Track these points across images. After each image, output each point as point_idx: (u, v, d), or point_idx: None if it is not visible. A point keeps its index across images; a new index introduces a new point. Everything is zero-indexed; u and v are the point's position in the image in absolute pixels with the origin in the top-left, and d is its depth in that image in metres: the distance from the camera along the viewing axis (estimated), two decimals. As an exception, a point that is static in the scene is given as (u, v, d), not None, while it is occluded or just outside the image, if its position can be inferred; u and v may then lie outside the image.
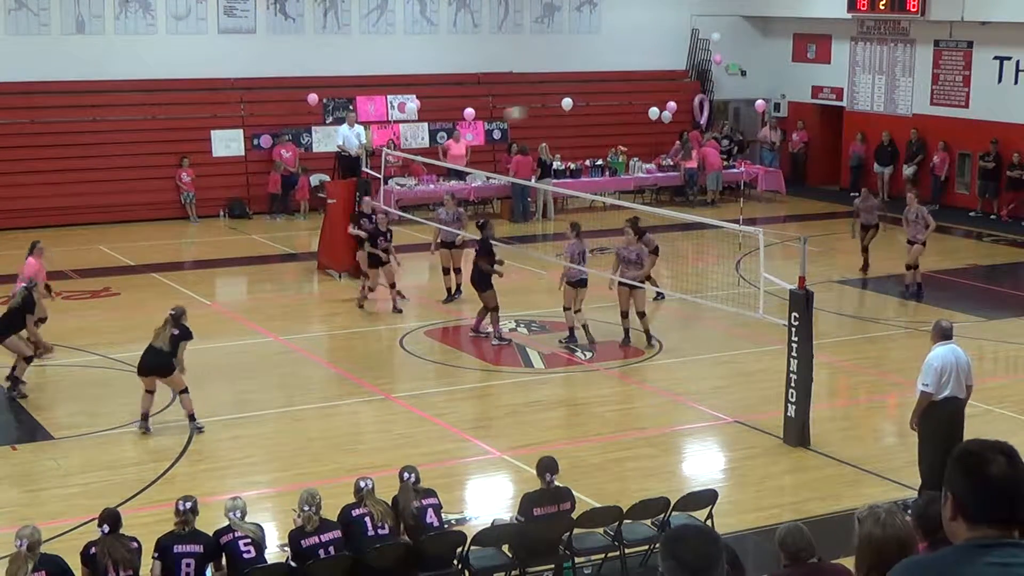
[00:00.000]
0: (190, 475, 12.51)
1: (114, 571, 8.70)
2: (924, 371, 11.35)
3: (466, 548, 9.85)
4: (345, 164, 25.16)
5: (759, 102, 29.30)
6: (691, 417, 14.83)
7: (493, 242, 17.79)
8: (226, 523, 9.37)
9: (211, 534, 9.29)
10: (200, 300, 19.59)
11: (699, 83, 32.37)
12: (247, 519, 9.46)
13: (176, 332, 13.62)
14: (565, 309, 17.31)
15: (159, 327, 13.68)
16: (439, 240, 19.57)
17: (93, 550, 8.84)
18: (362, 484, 9.75)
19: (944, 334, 11.47)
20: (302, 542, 9.27)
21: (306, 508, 9.29)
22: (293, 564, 9.32)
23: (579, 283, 17.09)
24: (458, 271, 19.64)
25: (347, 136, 25.66)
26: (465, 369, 16.40)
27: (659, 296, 19.39)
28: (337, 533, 9.38)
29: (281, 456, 13.28)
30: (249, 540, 9.23)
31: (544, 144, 27.35)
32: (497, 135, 29.66)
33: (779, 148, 31.47)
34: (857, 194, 22.75)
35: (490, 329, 17.51)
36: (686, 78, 32.44)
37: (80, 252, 23.14)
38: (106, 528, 8.89)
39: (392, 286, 18.90)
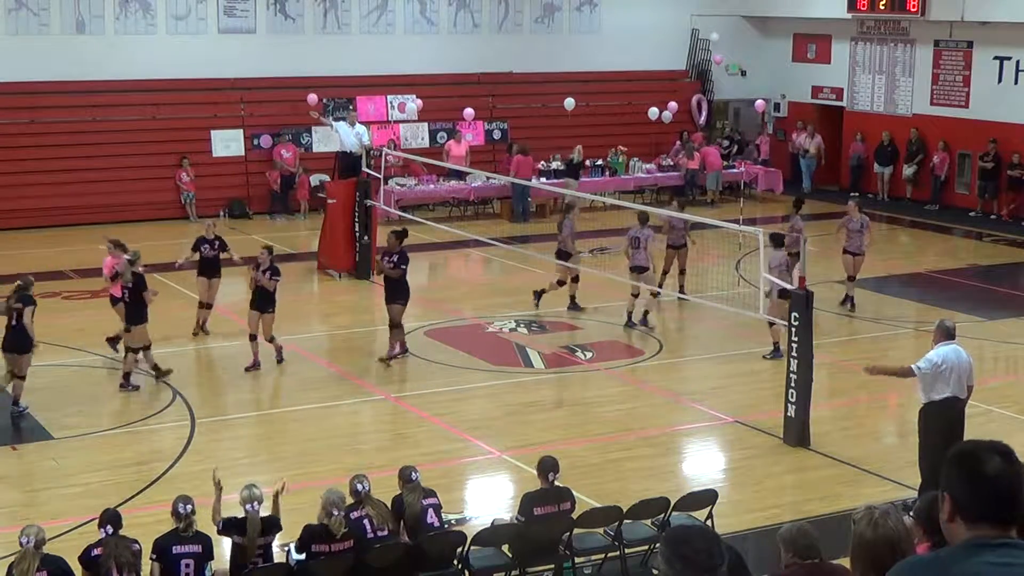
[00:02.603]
0: (190, 475, 12.49)
1: (118, 574, 8.68)
2: (924, 357, 11.32)
3: (466, 548, 9.85)
4: (345, 164, 25.15)
5: (759, 102, 29.29)
6: (691, 417, 14.84)
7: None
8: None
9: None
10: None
11: (699, 83, 32.38)
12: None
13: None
14: (633, 296, 18.08)
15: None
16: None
17: (95, 552, 8.81)
18: (359, 486, 9.71)
19: (947, 334, 11.45)
20: (313, 546, 9.25)
21: (335, 512, 9.27)
22: (296, 556, 9.31)
23: (635, 269, 17.75)
24: (576, 279, 19.13)
25: (347, 134, 25.66)
26: (465, 369, 16.39)
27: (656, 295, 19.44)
28: (349, 543, 9.32)
29: (281, 456, 13.27)
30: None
31: (579, 146, 27.71)
32: (497, 135, 29.67)
33: (816, 156, 30.73)
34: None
35: (396, 351, 16.42)
36: (686, 78, 32.44)
37: (80, 252, 23.12)
38: (110, 529, 8.87)
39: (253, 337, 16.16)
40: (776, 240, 16.69)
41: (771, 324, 16.29)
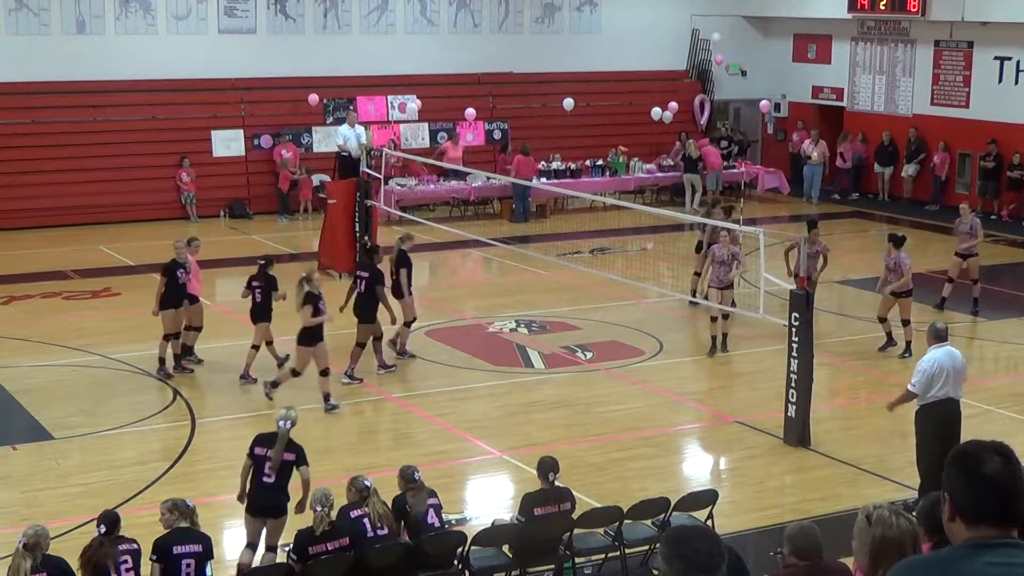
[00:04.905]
0: (190, 475, 12.51)
1: (115, 571, 8.67)
2: (916, 371, 11.41)
3: (466, 548, 9.85)
4: (345, 164, 25.16)
5: (763, 102, 29.26)
6: (691, 417, 14.84)
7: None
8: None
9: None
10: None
11: (699, 83, 32.37)
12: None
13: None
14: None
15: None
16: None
17: None
18: (365, 483, 9.70)
19: (939, 336, 11.49)
20: (309, 548, 9.24)
21: (318, 508, 9.28)
22: (294, 557, 9.32)
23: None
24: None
25: (347, 136, 25.68)
26: (465, 369, 16.40)
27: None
28: (345, 541, 9.31)
29: (281, 456, 13.25)
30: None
31: (691, 141, 28.31)
32: (497, 135, 29.66)
33: (820, 162, 29.77)
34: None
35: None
36: (686, 78, 32.44)
37: (80, 252, 23.15)
38: (103, 528, 8.86)
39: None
40: (896, 240, 16.78)
41: (905, 323, 16.61)
